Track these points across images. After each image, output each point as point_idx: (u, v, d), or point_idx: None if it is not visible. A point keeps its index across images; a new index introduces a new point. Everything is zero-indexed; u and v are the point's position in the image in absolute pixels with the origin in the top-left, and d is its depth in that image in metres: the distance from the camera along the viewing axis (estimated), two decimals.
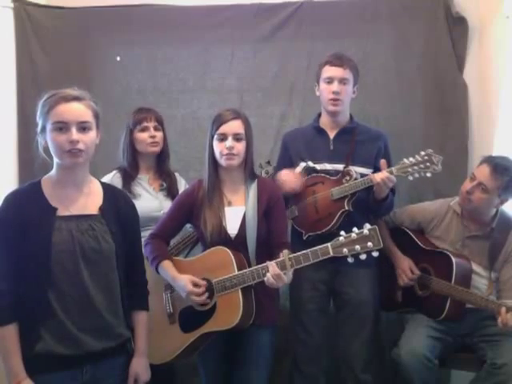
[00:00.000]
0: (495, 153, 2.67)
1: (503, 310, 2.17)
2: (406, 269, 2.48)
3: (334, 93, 2.37)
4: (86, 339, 1.64)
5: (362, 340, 2.45)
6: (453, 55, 2.97)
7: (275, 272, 1.88)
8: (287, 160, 2.48)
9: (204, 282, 2.02)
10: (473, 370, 2.39)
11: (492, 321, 2.26)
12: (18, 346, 1.60)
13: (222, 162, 2.07)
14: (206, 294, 2.01)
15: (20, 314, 1.61)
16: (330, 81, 2.38)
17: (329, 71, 2.39)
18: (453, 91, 2.98)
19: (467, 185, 2.37)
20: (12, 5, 3.07)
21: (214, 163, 2.11)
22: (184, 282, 2.02)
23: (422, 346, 2.29)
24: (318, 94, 2.49)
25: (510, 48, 2.71)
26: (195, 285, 2.01)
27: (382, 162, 2.30)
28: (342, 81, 2.38)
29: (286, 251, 1.91)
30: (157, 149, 2.47)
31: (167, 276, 2.08)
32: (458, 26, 2.96)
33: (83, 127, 1.64)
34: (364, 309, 2.44)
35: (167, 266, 2.09)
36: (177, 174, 2.59)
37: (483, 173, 2.31)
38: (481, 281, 2.42)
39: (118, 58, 3.13)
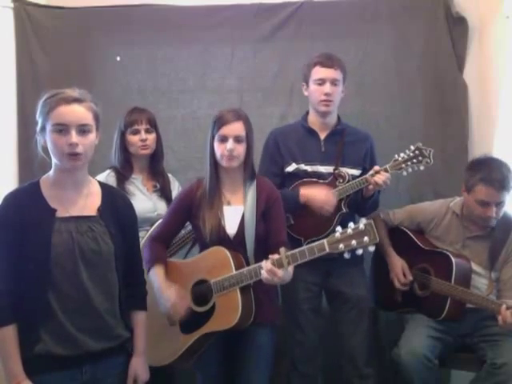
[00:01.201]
0: (495, 153, 2.67)
1: (503, 307, 2.17)
2: (399, 273, 2.50)
3: (326, 94, 2.37)
4: (86, 340, 1.64)
5: (362, 334, 2.46)
6: (453, 55, 2.97)
7: (268, 267, 1.88)
8: (278, 157, 2.45)
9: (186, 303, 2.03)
10: (473, 370, 2.39)
11: (492, 321, 2.26)
12: (17, 347, 1.60)
13: (223, 162, 2.07)
14: (185, 309, 2.02)
15: (19, 314, 1.61)
16: (321, 82, 2.38)
17: (320, 72, 2.39)
18: (453, 91, 2.98)
19: (488, 211, 2.30)
20: (12, 5, 3.07)
21: (214, 163, 2.11)
22: (170, 296, 2.01)
23: (422, 346, 2.29)
24: (306, 94, 2.48)
25: (510, 48, 2.71)
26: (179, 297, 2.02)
27: (376, 168, 2.32)
28: (334, 82, 2.38)
29: (282, 249, 1.90)
30: (147, 151, 2.46)
31: (155, 282, 2.06)
32: (458, 26, 2.96)
33: (83, 130, 1.63)
34: (361, 304, 2.46)
35: (158, 273, 2.07)
36: (170, 176, 2.59)
37: (493, 195, 2.28)
38: (481, 281, 2.42)
39: (118, 58, 3.12)
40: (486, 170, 2.30)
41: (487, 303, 2.26)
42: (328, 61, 2.38)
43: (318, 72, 2.39)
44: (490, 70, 2.90)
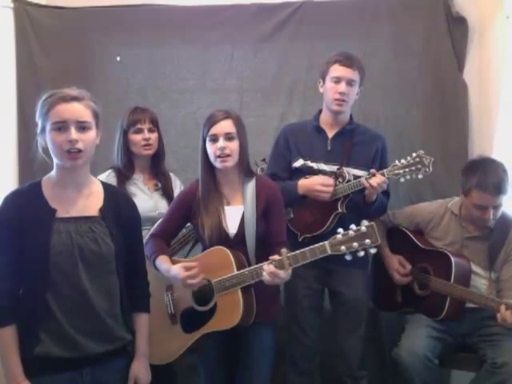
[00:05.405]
0: (495, 153, 2.68)
1: (502, 307, 2.17)
2: (397, 266, 2.50)
3: (340, 93, 2.36)
4: (86, 342, 1.63)
5: (357, 338, 2.47)
6: (453, 55, 2.97)
7: (270, 270, 1.89)
8: (286, 152, 2.46)
9: (195, 263, 1.98)
10: (473, 370, 2.39)
11: (492, 320, 2.26)
12: (16, 348, 1.59)
13: (217, 164, 2.06)
14: (202, 275, 1.98)
15: (19, 315, 1.61)
16: (337, 80, 2.37)
17: (338, 71, 2.37)
18: (453, 91, 2.98)
19: (485, 214, 2.30)
20: (12, 5, 3.06)
21: (208, 166, 2.11)
22: (176, 270, 1.98)
23: (422, 346, 2.29)
24: (321, 90, 2.47)
25: (510, 48, 2.71)
26: (188, 269, 1.97)
27: (372, 171, 2.28)
28: (350, 82, 2.36)
29: (284, 250, 1.90)
30: (150, 152, 2.45)
31: (162, 269, 2.05)
32: (458, 26, 2.96)
33: (82, 127, 1.62)
34: (359, 307, 2.46)
35: (163, 260, 2.06)
36: (172, 174, 2.58)
37: (488, 200, 2.27)
38: (480, 281, 2.42)
39: (118, 58, 3.12)
40: (481, 173, 2.29)
41: (486, 301, 2.26)
42: (347, 60, 2.36)
43: (336, 70, 2.37)
44: (490, 70, 2.90)
